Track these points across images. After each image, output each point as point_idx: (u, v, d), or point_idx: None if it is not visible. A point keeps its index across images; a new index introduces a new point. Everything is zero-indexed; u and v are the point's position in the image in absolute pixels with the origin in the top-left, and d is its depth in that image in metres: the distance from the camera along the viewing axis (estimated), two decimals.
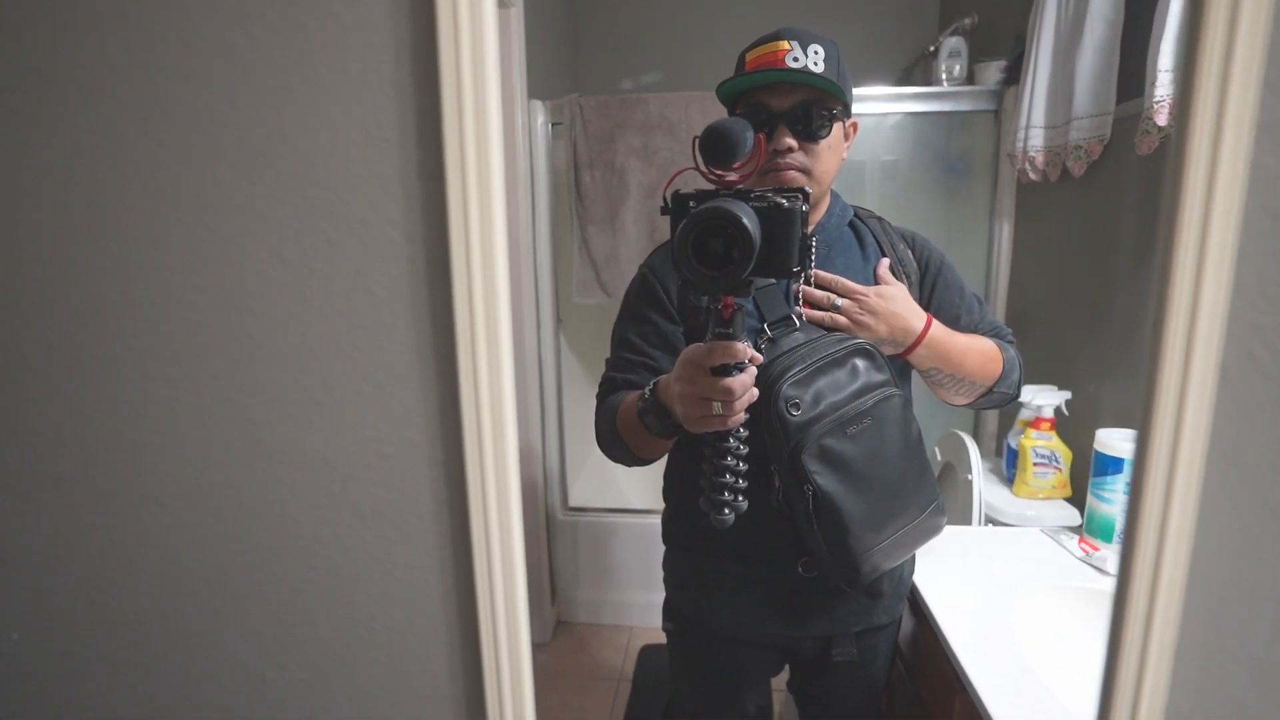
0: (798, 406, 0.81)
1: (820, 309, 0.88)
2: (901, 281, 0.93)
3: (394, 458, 0.48)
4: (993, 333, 0.98)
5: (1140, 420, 0.41)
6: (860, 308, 0.87)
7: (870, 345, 0.86)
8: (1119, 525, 1.22)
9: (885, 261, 0.92)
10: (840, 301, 0.87)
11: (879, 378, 0.85)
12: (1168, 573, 0.40)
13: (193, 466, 0.50)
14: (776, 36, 0.85)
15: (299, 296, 0.47)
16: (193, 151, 0.46)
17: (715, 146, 0.61)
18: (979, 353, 0.93)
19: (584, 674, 2.02)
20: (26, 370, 0.50)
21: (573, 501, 2.23)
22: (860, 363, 0.85)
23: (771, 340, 0.85)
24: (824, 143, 0.86)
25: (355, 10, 0.42)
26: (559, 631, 2.23)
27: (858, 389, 0.83)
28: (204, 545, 0.52)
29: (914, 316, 0.88)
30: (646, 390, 0.79)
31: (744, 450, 0.68)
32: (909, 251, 0.97)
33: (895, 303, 0.88)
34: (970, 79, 1.96)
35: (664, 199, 0.64)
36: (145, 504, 0.51)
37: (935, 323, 0.90)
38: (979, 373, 0.92)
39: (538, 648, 2.14)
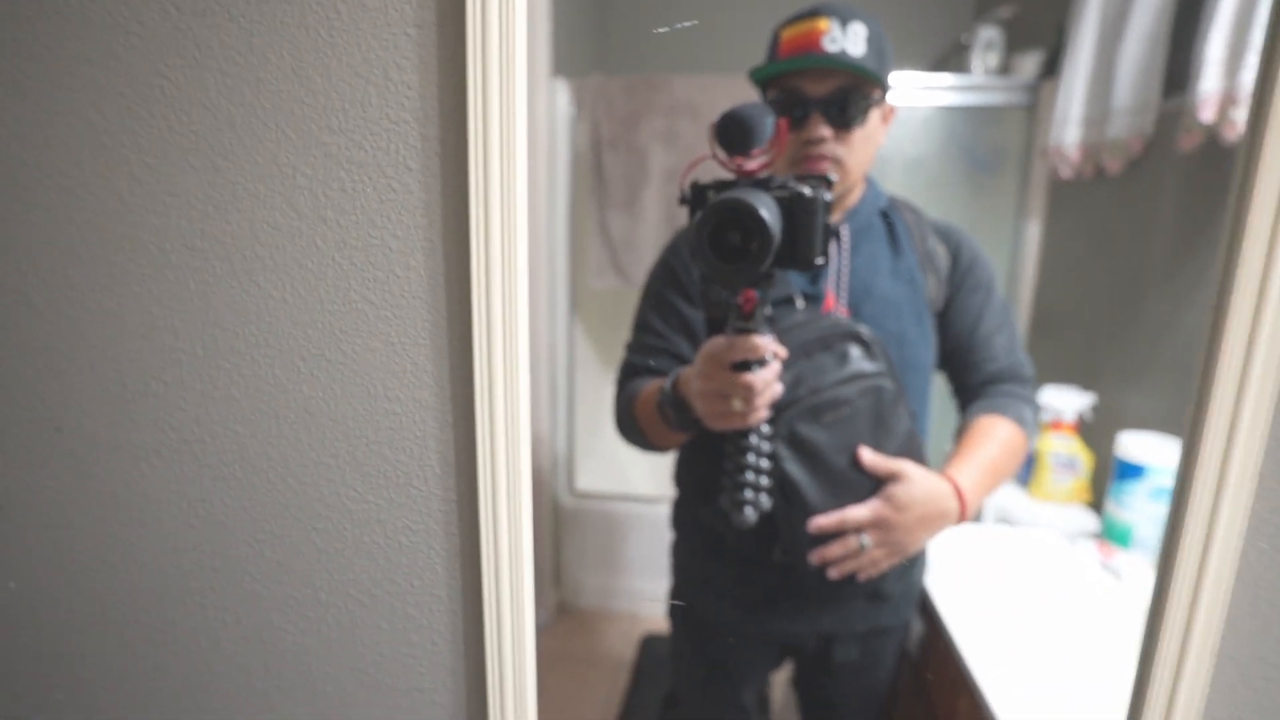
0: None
1: (850, 559, 0.80)
2: (929, 277, 0.89)
3: (402, 417, 0.46)
4: (1008, 369, 0.92)
5: (1187, 433, 0.38)
6: (883, 536, 0.79)
7: (866, 333, 0.80)
8: (1137, 532, 1.19)
9: (865, 452, 0.80)
10: (865, 540, 0.79)
11: (870, 368, 0.80)
12: (1213, 575, 0.38)
13: (194, 419, 0.49)
14: (815, 13, 0.80)
15: (311, 247, 0.45)
16: (206, 91, 0.44)
17: (732, 133, 0.58)
18: (1009, 456, 0.86)
19: (584, 659, 2.02)
20: (27, 313, 0.49)
21: (580, 486, 2.22)
22: (854, 350, 0.80)
23: (769, 320, 0.82)
24: (859, 132, 0.82)
25: None
26: (561, 615, 2.23)
27: (844, 376, 0.79)
28: (204, 500, 0.50)
29: (940, 499, 0.80)
30: (666, 383, 0.77)
31: (767, 448, 0.66)
32: (940, 245, 0.92)
33: (914, 505, 0.79)
34: (1005, 71, 1.91)
35: (682, 189, 0.61)
36: (146, 456, 0.50)
37: (963, 484, 0.81)
38: (1012, 472, 0.88)
39: (539, 631, 2.14)
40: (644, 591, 2.16)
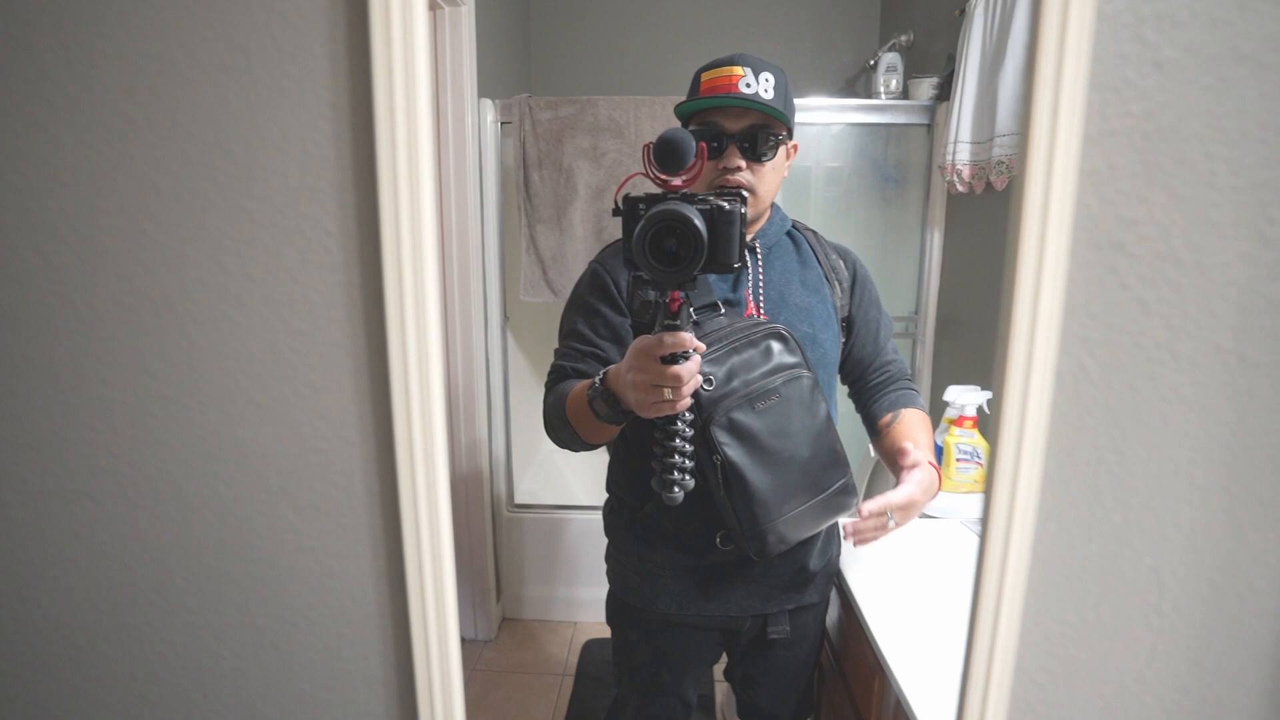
0: (710, 382, 0.87)
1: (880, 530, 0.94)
2: (834, 286, 1.00)
3: (329, 454, 0.50)
4: (898, 369, 1.09)
5: (992, 423, 0.47)
6: (907, 514, 0.94)
7: (785, 330, 0.92)
8: None
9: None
10: (892, 521, 0.94)
11: (791, 360, 0.92)
12: (1015, 553, 0.47)
13: (128, 463, 0.52)
14: (731, 62, 0.91)
15: (238, 303, 0.49)
16: (131, 161, 0.48)
17: (668, 155, 0.66)
18: (932, 438, 1.05)
19: (528, 669, 2.05)
20: None
21: (519, 498, 2.24)
22: (775, 345, 0.91)
23: (696, 324, 0.91)
24: (768, 164, 0.93)
25: (295, 37, 0.45)
26: (504, 628, 2.25)
27: (770, 369, 0.90)
28: (140, 540, 0.53)
29: (935, 480, 0.98)
30: (596, 380, 0.84)
31: (690, 433, 0.74)
32: (840, 261, 1.05)
33: (931, 486, 0.96)
34: (906, 94, 2.06)
35: (615, 202, 0.69)
36: (79, 500, 0.53)
37: (933, 462, 0.99)
38: None
39: (483, 645, 2.15)
40: (584, 599, 2.21)
